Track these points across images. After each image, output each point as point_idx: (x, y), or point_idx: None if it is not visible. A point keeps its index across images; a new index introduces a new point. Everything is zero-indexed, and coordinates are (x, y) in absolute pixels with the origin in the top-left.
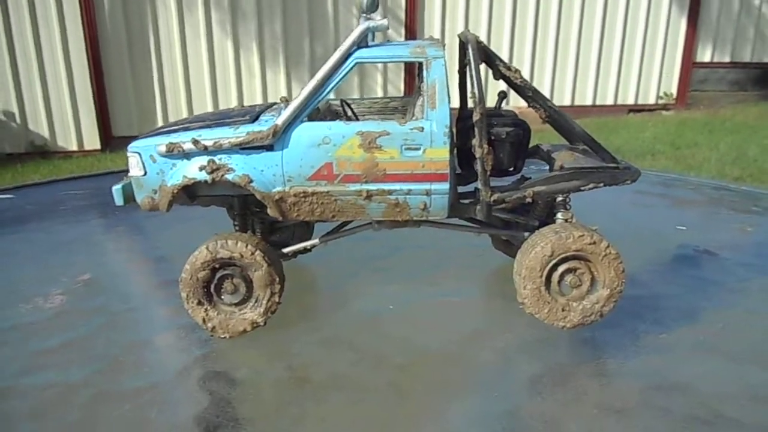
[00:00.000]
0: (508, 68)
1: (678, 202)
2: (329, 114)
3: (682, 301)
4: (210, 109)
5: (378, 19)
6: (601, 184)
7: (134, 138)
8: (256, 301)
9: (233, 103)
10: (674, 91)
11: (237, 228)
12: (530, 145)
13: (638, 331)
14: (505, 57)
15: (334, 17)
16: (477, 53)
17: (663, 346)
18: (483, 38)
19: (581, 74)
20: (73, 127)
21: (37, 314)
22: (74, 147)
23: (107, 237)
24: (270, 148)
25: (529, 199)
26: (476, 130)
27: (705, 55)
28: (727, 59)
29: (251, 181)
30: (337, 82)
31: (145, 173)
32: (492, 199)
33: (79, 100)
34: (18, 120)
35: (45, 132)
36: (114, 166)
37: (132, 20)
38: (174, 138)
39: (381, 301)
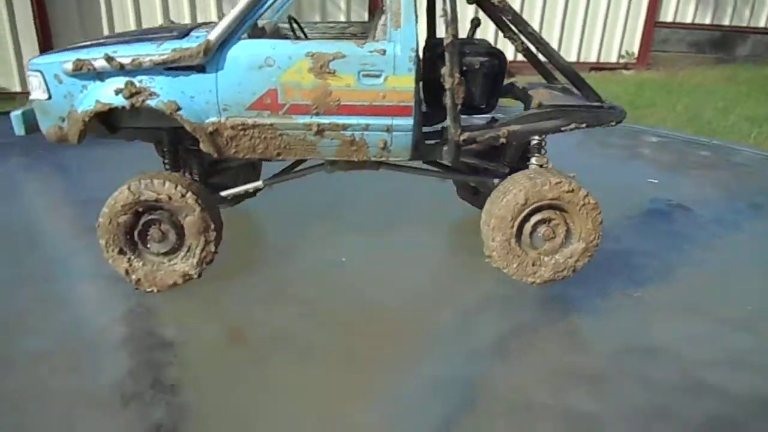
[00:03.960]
0: None
1: (648, 155)
2: (276, 37)
3: (656, 258)
4: None
5: None
6: (584, 125)
7: None
8: (188, 251)
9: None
10: (636, 50)
11: (167, 167)
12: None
13: (610, 288)
14: (468, 16)
15: None
16: None
17: (636, 305)
18: None
19: (545, 32)
20: (16, 66)
21: None
22: (17, 88)
23: (26, 177)
24: (201, 69)
25: (503, 140)
26: (447, 55)
27: (668, 14)
28: (688, 20)
29: (179, 109)
30: None
31: (50, 97)
32: (462, 138)
33: (21, 37)
34: None
35: None
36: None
37: None
38: (84, 54)
39: (332, 253)
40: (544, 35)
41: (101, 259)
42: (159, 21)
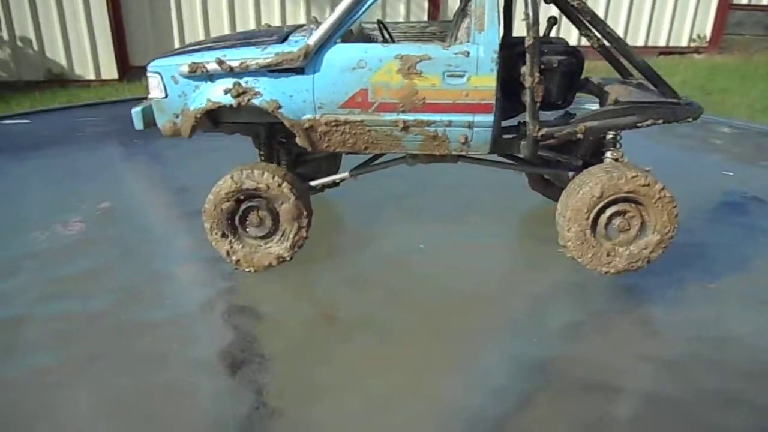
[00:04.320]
0: None
1: (722, 146)
2: (362, 39)
3: (731, 251)
4: None
5: None
6: (660, 121)
7: None
8: (282, 235)
9: None
10: (708, 33)
11: (262, 158)
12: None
13: (685, 279)
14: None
15: None
16: None
17: (711, 296)
18: None
19: (612, 13)
20: (90, 56)
21: (55, 241)
22: (92, 76)
23: (127, 165)
24: (300, 71)
25: (579, 136)
26: (528, 56)
27: None
28: (765, 2)
29: (280, 107)
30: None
31: (166, 95)
32: (540, 134)
33: (96, 27)
34: (35, 47)
35: (62, 60)
36: (131, 95)
37: None
38: (197, 58)
39: (411, 241)
40: (610, 20)
41: (201, 243)
42: (226, 23)
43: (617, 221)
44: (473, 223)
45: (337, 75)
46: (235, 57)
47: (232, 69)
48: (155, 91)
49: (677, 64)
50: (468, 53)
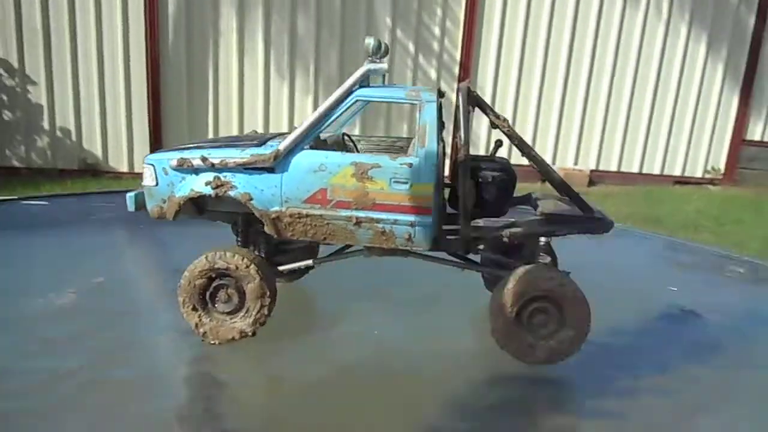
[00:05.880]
0: (497, 117)
1: (680, 265)
2: (337, 147)
3: (656, 353)
4: None
5: (378, 63)
6: (575, 232)
7: None
8: (246, 312)
9: None
10: (722, 166)
11: (239, 244)
12: (520, 194)
13: (605, 375)
14: (554, 120)
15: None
16: (466, 101)
17: (628, 390)
18: (533, 101)
19: (629, 142)
20: (126, 149)
21: (47, 307)
22: (124, 168)
23: (129, 248)
24: (271, 170)
25: (505, 239)
26: (460, 169)
27: (755, 133)
28: None
29: (251, 199)
30: (337, 116)
31: (157, 184)
32: (471, 235)
33: (134, 123)
34: (73, 137)
35: (98, 151)
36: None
37: (194, 55)
38: (186, 154)
39: (369, 327)
40: (626, 147)
41: (179, 317)
42: (260, 121)
43: (538, 317)
44: (432, 314)
45: (302, 175)
46: (217, 155)
47: (213, 165)
48: (148, 179)
49: (692, 194)
50: (411, 164)
